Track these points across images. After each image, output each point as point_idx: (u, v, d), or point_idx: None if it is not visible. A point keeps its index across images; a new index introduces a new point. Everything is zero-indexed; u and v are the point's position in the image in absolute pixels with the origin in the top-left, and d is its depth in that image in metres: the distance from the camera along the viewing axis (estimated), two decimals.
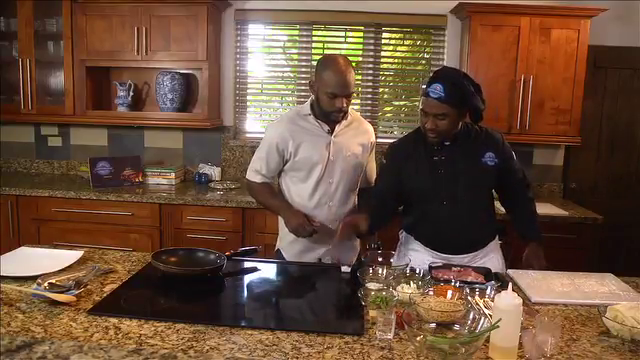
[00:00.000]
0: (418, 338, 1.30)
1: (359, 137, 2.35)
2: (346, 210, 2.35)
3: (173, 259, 1.91)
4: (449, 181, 2.09)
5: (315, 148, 2.25)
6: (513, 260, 2.35)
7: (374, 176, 2.50)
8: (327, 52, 3.83)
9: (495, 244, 2.24)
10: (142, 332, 1.41)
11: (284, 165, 2.31)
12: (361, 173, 2.40)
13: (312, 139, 2.25)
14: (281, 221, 2.38)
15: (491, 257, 2.18)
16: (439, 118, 1.98)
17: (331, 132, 2.27)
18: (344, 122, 2.29)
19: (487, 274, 1.88)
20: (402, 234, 2.32)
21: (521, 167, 2.25)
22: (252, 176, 2.37)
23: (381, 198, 2.20)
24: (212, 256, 1.94)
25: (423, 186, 2.12)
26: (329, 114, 2.21)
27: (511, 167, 2.18)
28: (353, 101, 3.92)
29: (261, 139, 2.37)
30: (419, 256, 2.13)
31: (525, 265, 2.15)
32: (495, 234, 2.25)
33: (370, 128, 2.43)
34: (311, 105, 2.27)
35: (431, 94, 1.97)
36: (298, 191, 2.31)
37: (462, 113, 2.04)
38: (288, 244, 2.36)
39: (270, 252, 2.59)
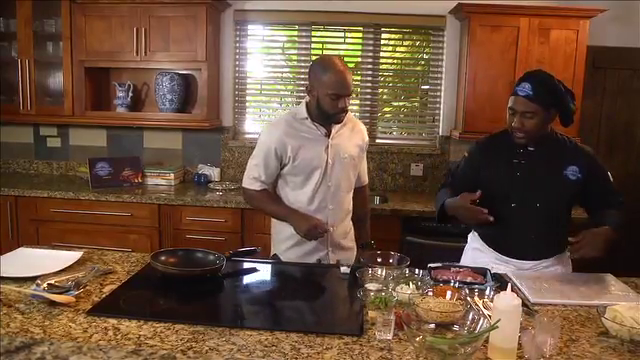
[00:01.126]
0: (417, 339, 1.30)
1: (354, 138, 2.33)
2: (344, 211, 2.34)
3: (172, 260, 1.91)
4: (523, 185, 2.06)
5: (314, 152, 2.23)
6: None
7: (365, 176, 2.50)
8: (326, 53, 3.83)
9: (562, 257, 2.15)
10: (141, 333, 1.41)
11: (281, 169, 2.27)
12: (357, 174, 2.39)
13: (311, 143, 2.23)
14: (276, 226, 2.35)
15: (557, 269, 2.12)
16: (526, 117, 1.98)
17: (328, 135, 2.26)
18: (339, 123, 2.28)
19: (485, 275, 1.88)
20: (471, 233, 2.31)
21: (614, 187, 2.14)
22: (250, 184, 2.30)
23: (456, 190, 2.15)
24: (211, 257, 1.94)
25: (496, 185, 2.10)
26: (332, 115, 2.18)
27: (598, 185, 2.10)
28: (352, 102, 3.94)
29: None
30: (481, 256, 2.15)
31: (577, 244, 1.89)
32: (564, 247, 2.14)
33: (363, 128, 2.42)
34: (307, 108, 2.24)
35: (519, 92, 1.99)
36: (297, 196, 2.27)
37: (550, 115, 2.02)
38: (286, 250, 2.32)
39: (269, 254, 2.58)
